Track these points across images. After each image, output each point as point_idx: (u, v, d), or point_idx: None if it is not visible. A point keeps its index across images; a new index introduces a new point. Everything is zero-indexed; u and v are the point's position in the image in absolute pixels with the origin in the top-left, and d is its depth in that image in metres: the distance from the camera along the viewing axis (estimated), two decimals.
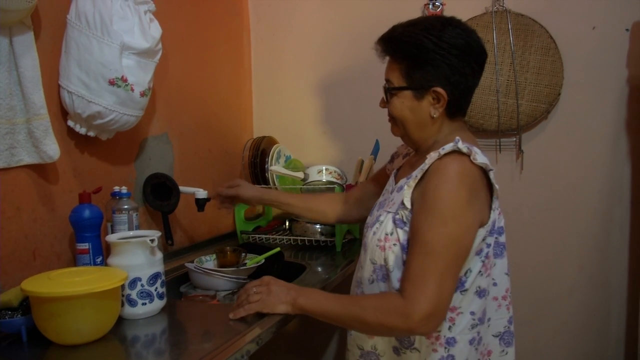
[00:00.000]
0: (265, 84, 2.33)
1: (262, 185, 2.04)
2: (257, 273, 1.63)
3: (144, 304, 1.18)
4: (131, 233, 1.28)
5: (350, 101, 2.19)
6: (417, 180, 1.09)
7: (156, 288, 1.20)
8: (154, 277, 1.19)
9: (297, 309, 1.13)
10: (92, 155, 1.51)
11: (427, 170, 1.08)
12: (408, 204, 1.09)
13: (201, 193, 1.58)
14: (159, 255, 1.22)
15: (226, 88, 2.17)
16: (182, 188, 1.64)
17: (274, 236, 2.03)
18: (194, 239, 1.93)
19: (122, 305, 1.17)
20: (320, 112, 2.24)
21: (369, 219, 1.25)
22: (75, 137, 1.44)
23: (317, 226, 1.96)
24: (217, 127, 2.10)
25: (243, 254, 1.67)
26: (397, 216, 1.11)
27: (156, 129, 1.75)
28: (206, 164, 2.01)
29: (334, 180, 1.93)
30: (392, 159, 1.44)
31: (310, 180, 1.93)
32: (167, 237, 1.68)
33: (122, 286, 1.14)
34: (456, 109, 1.17)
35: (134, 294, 1.17)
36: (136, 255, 1.17)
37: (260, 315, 1.16)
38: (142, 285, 1.17)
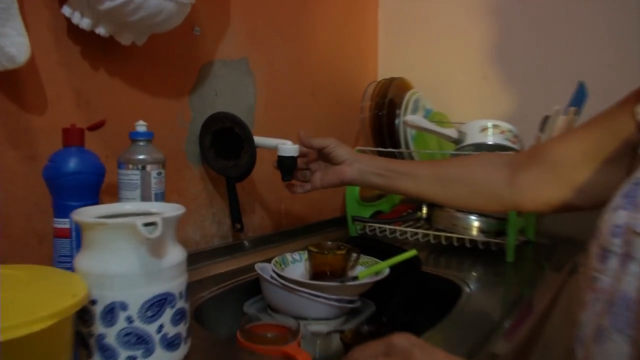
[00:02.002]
0: (395, 4, 1.62)
1: (385, 150, 1.34)
2: (375, 292, 0.95)
3: (132, 358, 0.54)
4: (127, 207, 0.65)
5: (530, 27, 1.41)
6: None
7: (161, 327, 0.55)
8: (157, 304, 0.55)
9: None
10: (112, 74, 0.91)
11: None
12: None
13: (288, 148, 0.92)
14: (177, 257, 0.58)
15: (341, 5, 1.49)
16: (258, 139, 0.99)
17: (403, 228, 1.33)
18: (279, 225, 1.29)
19: (90, 357, 0.55)
20: (479, 46, 1.49)
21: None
22: (82, 39, 0.85)
23: (473, 217, 1.23)
24: (326, 62, 1.43)
25: (354, 256, 0.99)
26: None
27: (229, 50, 1.12)
28: (306, 113, 1.35)
29: (507, 143, 1.18)
30: None
31: (467, 142, 1.20)
32: (234, 218, 1.05)
33: (84, 318, 0.52)
34: None
35: (111, 336, 0.54)
36: (119, 254, 0.54)
37: None
38: (130, 320, 0.54)
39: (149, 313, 0.54)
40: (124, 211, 0.62)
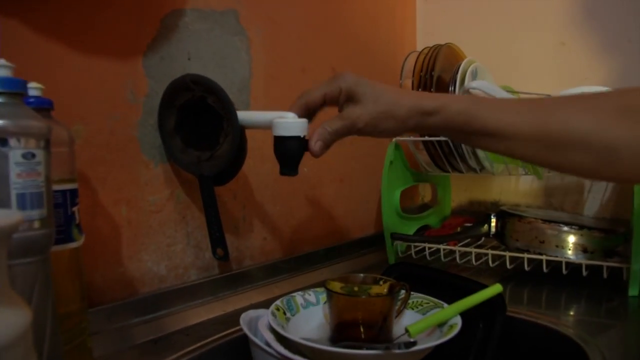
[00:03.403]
0: None
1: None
2: (437, 352, 0.57)
3: None
4: None
5: None
6: None
7: None
8: None
9: None
10: (9, 13, 0.57)
11: None
12: None
13: (289, 123, 0.56)
14: None
15: None
16: (245, 115, 0.63)
17: (465, 248, 0.95)
18: (289, 248, 0.92)
19: None
20: (553, 4, 1.11)
21: None
22: None
23: (566, 229, 0.84)
24: (348, 26, 1.07)
25: (401, 294, 0.62)
26: None
27: None
28: None
29: None
30: None
31: None
32: (213, 239, 0.69)
33: None
34: None
35: None
36: None
37: None
38: None
39: None
40: None
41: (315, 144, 0.56)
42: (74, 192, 0.50)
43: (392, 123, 0.56)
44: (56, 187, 0.48)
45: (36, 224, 0.40)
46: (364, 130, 0.57)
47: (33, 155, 0.38)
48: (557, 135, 0.51)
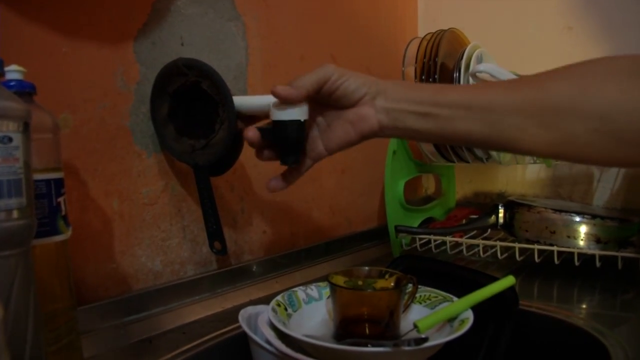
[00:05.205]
0: None
1: None
2: (445, 351, 0.53)
3: None
4: None
5: None
6: None
7: None
8: None
9: None
10: None
11: None
12: None
13: (290, 106, 0.53)
14: None
15: None
16: (241, 100, 0.60)
17: (471, 240, 0.92)
18: (290, 242, 0.89)
19: None
20: None
21: None
22: None
23: (578, 219, 0.81)
24: (348, 12, 1.04)
25: (408, 288, 0.58)
26: None
27: None
28: None
29: None
30: None
31: None
32: (210, 232, 0.66)
33: None
34: None
35: None
36: None
37: None
38: None
39: None
40: None
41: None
42: (59, 182, 0.46)
43: (360, 81, 0.53)
44: (40, 176, 0.45)
45: (14, 214, 0.37)
46: (335, 82, 0.53)
47: (10, 139, 0.35)
48: (541, 103, 0.48)
